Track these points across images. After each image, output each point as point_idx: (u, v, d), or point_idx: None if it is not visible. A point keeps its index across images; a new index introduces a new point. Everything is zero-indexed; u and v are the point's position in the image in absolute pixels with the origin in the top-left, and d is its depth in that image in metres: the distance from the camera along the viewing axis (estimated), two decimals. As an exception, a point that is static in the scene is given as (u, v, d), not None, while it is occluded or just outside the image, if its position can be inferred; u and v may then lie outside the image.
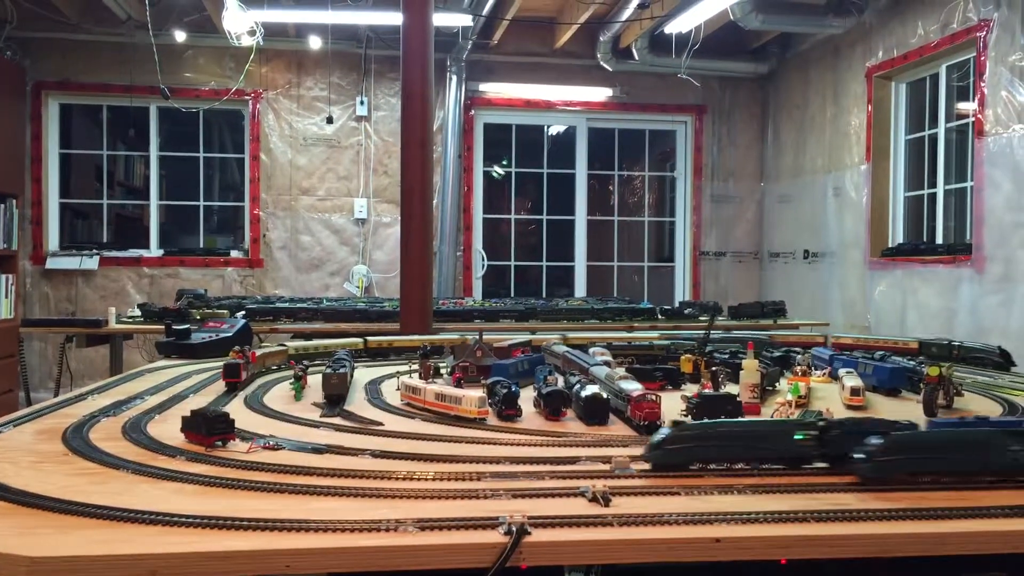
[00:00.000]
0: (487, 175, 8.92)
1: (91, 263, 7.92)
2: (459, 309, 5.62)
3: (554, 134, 9.20)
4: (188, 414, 1.97)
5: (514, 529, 1.34)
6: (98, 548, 1.26)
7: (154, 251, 8.14)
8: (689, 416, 2.30)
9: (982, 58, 5.87)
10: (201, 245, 8.35)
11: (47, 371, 7.77)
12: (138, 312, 5.50)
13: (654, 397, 2.16)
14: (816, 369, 3.24)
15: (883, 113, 7.15)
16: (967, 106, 6.26)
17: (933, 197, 6.79)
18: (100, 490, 1.57)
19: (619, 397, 2.27)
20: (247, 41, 6.41)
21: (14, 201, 7.11)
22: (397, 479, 1.67)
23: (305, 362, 3.00)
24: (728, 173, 9.02)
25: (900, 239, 7.10)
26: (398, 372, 2.87)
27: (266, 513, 1.41)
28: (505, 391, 2.30)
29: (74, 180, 8.34)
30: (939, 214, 6.71)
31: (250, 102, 8.11)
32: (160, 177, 8.31)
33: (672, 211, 9.24)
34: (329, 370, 2.51)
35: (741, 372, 2.49)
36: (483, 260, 8.73)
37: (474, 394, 2.25)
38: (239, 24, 6.21)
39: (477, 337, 2.95)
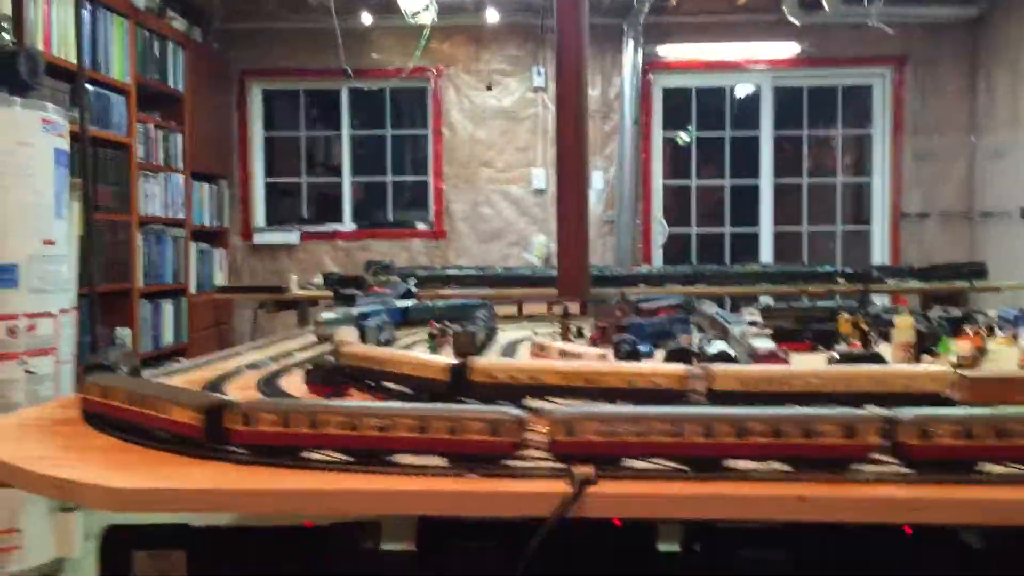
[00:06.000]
0: (667, 141, 8.70)
1: (293, 238, 8.50)
2: (622, 274, 5.53)
3: (740, 96, 8.82)
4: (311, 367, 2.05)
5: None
6: None
7: (348, 225, 8.61)
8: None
9: None
10: (390, 219, 8.73)
11: (253, 337, 8.44)
12: (321, 280, 5.84)
13: (782, 354, 2.03)
14: (1002, 330, 2.92)
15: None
16: None
17: None
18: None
19: (749, 355, 2.15)
20: (423, 18, 6.60)
21: (224, 182, 7.75)
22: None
23: (446, 321, 3.04)
24: (932, 128, 8.28)
25: None
26: (535, 332, 2.87)
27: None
28: (628, 348, 2.24)
29: (277, 161, 8.96)
30: None
31: (431, 79, 8.35)
32: (353, 155, 8.76)
33: (869, 171, 8.61)
34: (460, 329, 2.55)
35: (893, 331, 2.29)
36: (663, 228, 8.55)
37: (594, 351, 2.21)
38: (414, 2, 6.40)
39: (618, 297, 2.89)
